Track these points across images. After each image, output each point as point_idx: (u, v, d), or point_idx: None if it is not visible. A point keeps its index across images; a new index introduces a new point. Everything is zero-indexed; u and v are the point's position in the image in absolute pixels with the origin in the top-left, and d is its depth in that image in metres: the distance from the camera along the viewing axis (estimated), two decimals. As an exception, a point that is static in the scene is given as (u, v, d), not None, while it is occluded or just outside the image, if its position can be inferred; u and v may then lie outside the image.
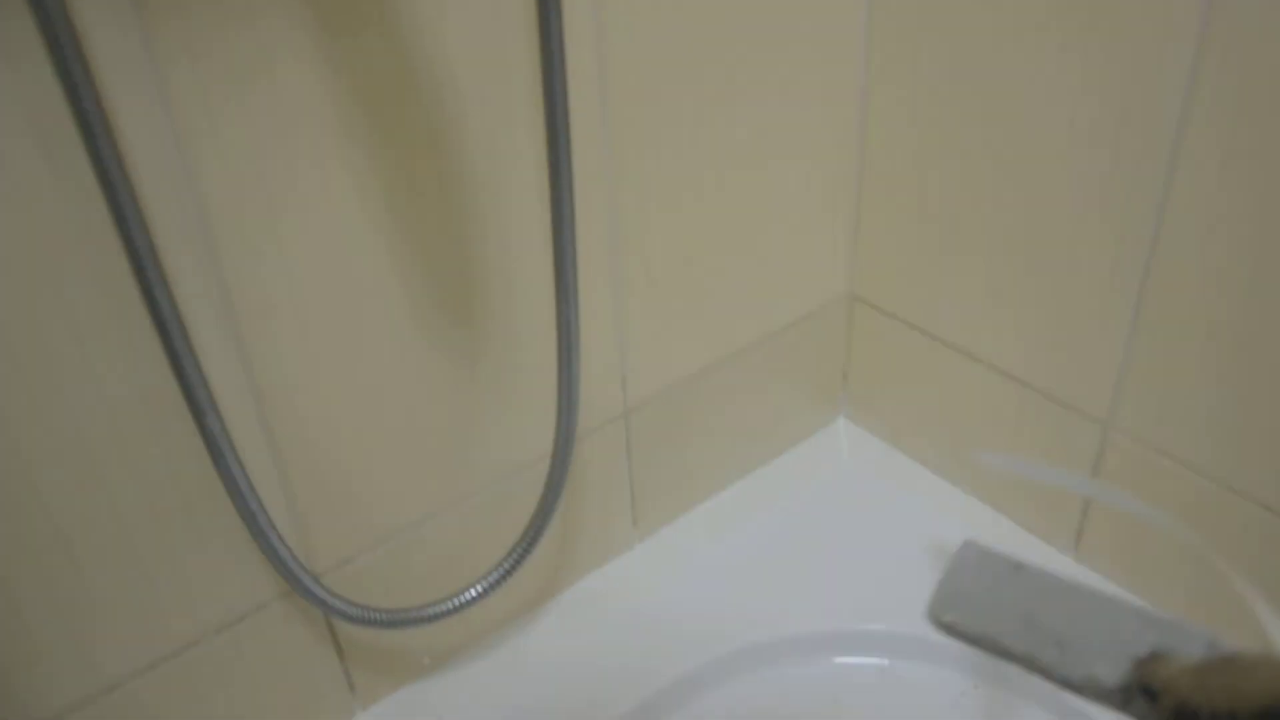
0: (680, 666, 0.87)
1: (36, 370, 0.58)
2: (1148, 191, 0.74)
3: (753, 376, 0.97)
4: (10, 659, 0.64)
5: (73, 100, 0.50)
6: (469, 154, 0.69)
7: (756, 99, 0.83)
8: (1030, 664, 0.42)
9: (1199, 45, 0.67)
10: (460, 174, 0.69)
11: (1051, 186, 0.80)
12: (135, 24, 0.54)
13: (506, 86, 0.68)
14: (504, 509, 0.83)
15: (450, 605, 0.75)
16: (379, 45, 0.62)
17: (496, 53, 0.67)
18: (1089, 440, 0.86)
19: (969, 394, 0.95)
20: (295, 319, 0.67)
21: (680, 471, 0.97)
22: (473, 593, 0.76)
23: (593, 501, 0.90)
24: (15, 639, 0.63)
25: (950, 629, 0.45)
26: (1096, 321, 0.82)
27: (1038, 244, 0.83)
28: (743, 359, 0.95)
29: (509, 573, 0.77)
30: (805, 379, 1.03)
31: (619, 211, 0.79)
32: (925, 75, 0.85)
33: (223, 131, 0.59)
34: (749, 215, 0.88)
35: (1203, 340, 0.76)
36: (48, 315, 0.57)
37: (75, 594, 0.65)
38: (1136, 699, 0.39)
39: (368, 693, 0.84)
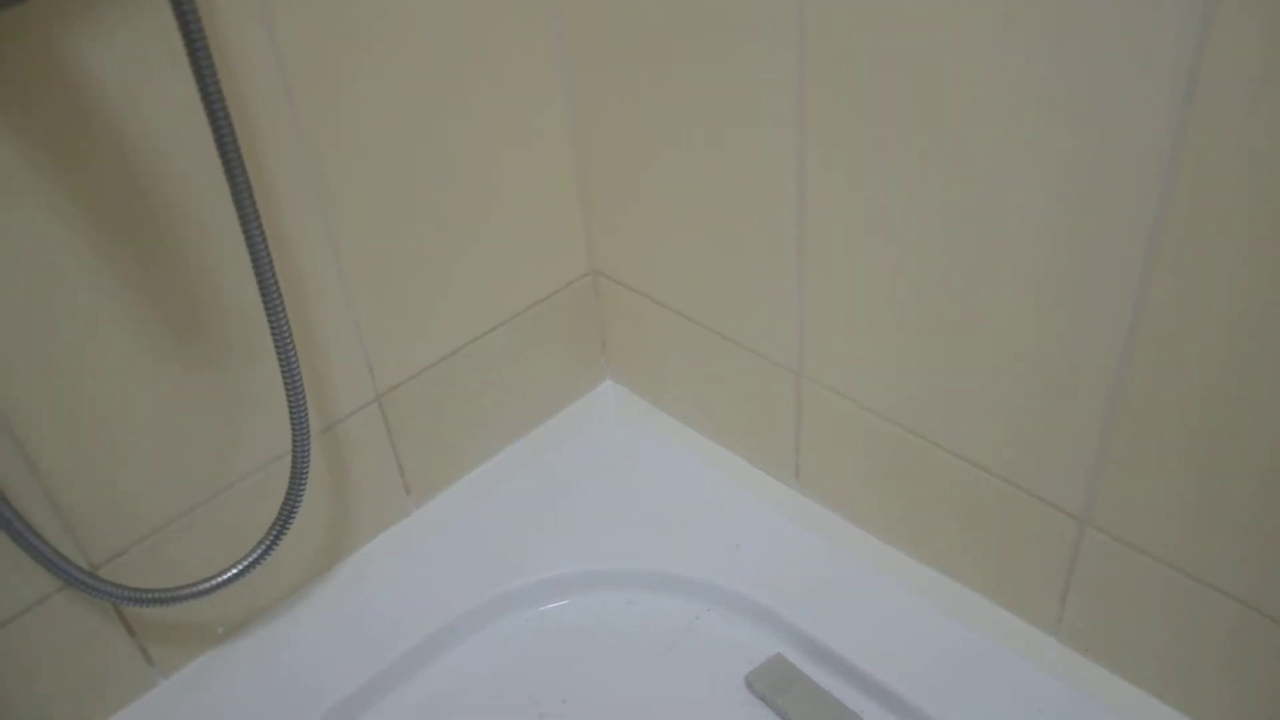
0: (447, 614, 0.99)
1: None
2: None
3: (509, 351, 1.08)
4: None
5: None
6: (170, 195, 0.79)
7: (461, 105, 0.93)
8: None
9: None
10: (164, 213, 0.79)
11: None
12: None
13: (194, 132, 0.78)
14: (271, 493, 0.94)
15: (211, 584, 0.87)
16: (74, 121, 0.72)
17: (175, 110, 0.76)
18: (786, 384, 0.99)
19: (706, 358, 1.07)
20: (37, 359, 0.77)
21: (449, 442, 1.08)
22: (232, 572, 0.87)
23: (360, 477, 1.01)
24: None
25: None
26: (772, 269, 0.94)
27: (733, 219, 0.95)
28: (495, 337, 1.06)
29: (267, 552, 0.89)
30: (564, 349, 1.14)
31: (336, 226, 0.89)
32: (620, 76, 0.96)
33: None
34: (475, 210, 0.98)
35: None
36: None
37: None
38: None
39: (166, 663, 0.95)
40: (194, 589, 0.87)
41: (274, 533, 0.89)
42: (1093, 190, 0.70)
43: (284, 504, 0.89)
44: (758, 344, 1.00)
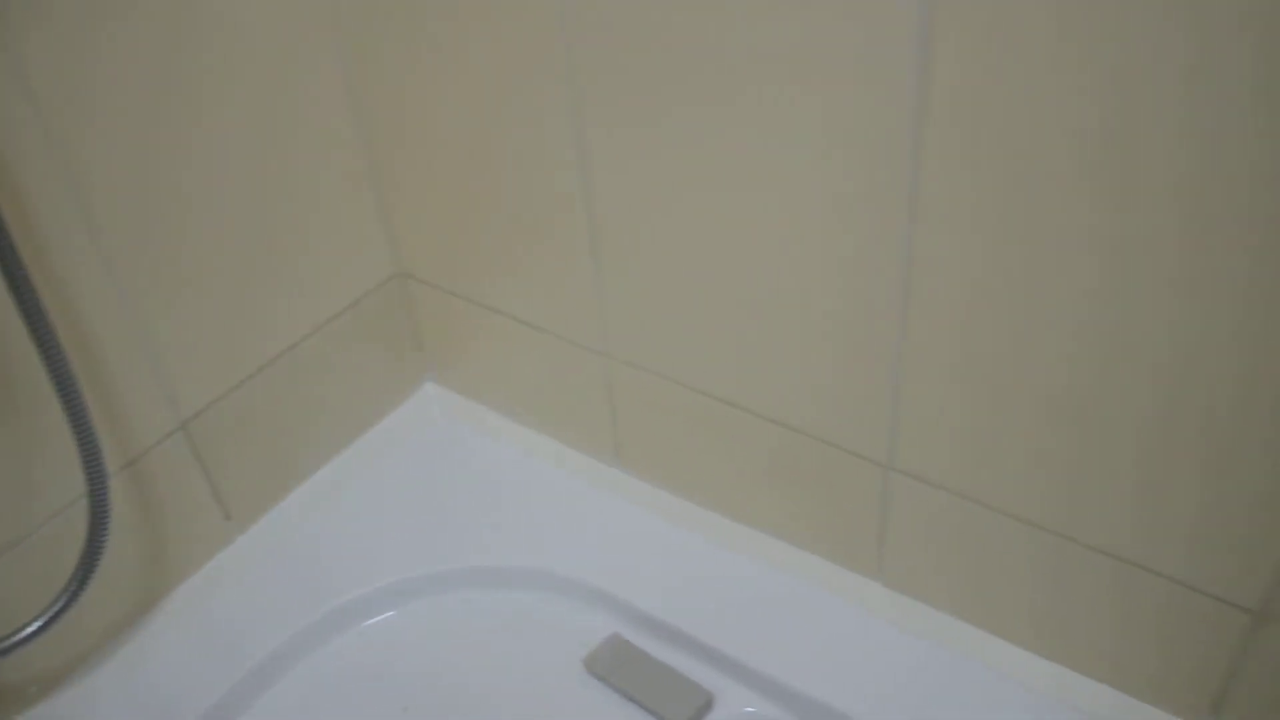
0: (276, 640, 0.97)
1: None
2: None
3: (320, 362, 1.06)
4: None
5: None
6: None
7: (236, 109, 0.90)
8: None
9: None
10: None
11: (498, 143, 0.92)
12: None
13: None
14: (74, 539, 0.89)
15: (10, 642, 0.82)
16: None
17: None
18: (596, 367, 1.01)
19: (519, 350, 1.07)
20: None
21: (267, 462, 1.05)
22: (33, 627, 0.83)
23: (173, 509, 0.97)
24: None
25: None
26: (568, 254, 0.94)
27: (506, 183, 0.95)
28: (303, 350, 1.04)
29: (70, 602, 0.84)
30: (379, 355, 1.12)
31: (112, 254, 0.85)
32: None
33: None
34: (263, 222, 0.95)
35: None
36: None
37: None
38: None
39: (-25, 735, 0.90)
40: (-11, 651, 0.82)
41: (76, 581, 0.85)
42: (857, 151, 0.73)
43: (85, 550, 0.84)
44: (564, 330, 1.01)
